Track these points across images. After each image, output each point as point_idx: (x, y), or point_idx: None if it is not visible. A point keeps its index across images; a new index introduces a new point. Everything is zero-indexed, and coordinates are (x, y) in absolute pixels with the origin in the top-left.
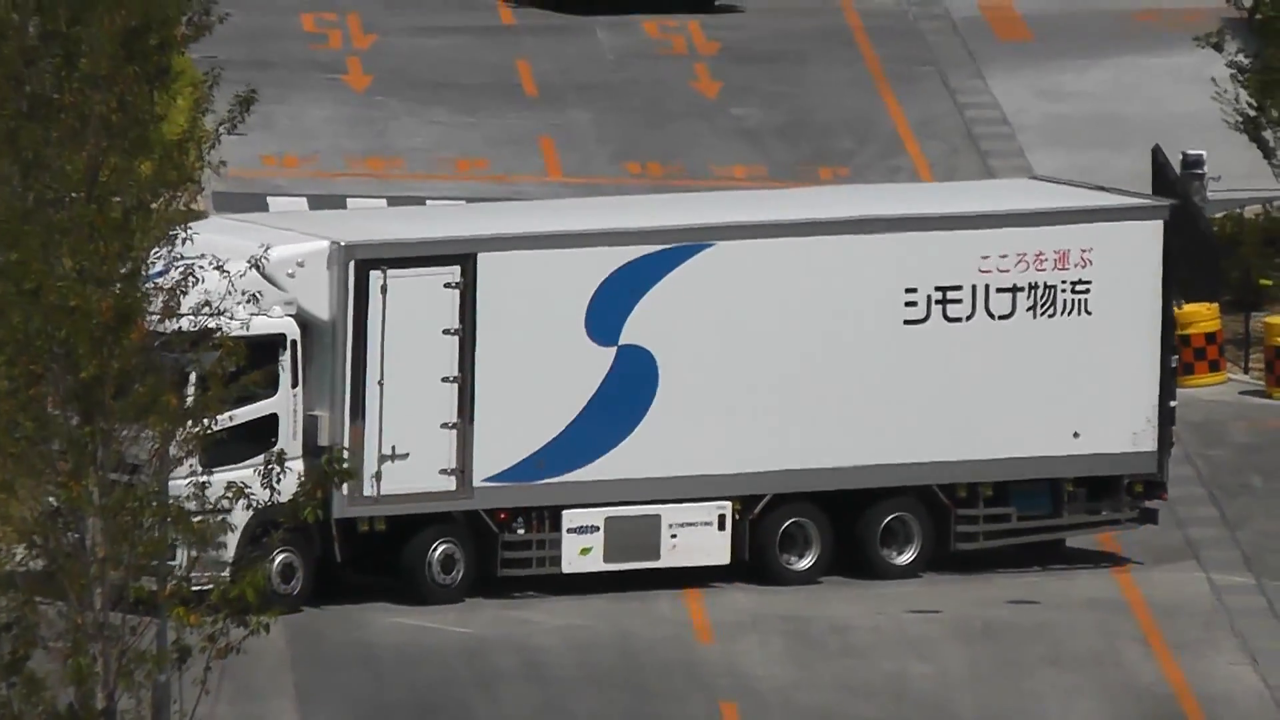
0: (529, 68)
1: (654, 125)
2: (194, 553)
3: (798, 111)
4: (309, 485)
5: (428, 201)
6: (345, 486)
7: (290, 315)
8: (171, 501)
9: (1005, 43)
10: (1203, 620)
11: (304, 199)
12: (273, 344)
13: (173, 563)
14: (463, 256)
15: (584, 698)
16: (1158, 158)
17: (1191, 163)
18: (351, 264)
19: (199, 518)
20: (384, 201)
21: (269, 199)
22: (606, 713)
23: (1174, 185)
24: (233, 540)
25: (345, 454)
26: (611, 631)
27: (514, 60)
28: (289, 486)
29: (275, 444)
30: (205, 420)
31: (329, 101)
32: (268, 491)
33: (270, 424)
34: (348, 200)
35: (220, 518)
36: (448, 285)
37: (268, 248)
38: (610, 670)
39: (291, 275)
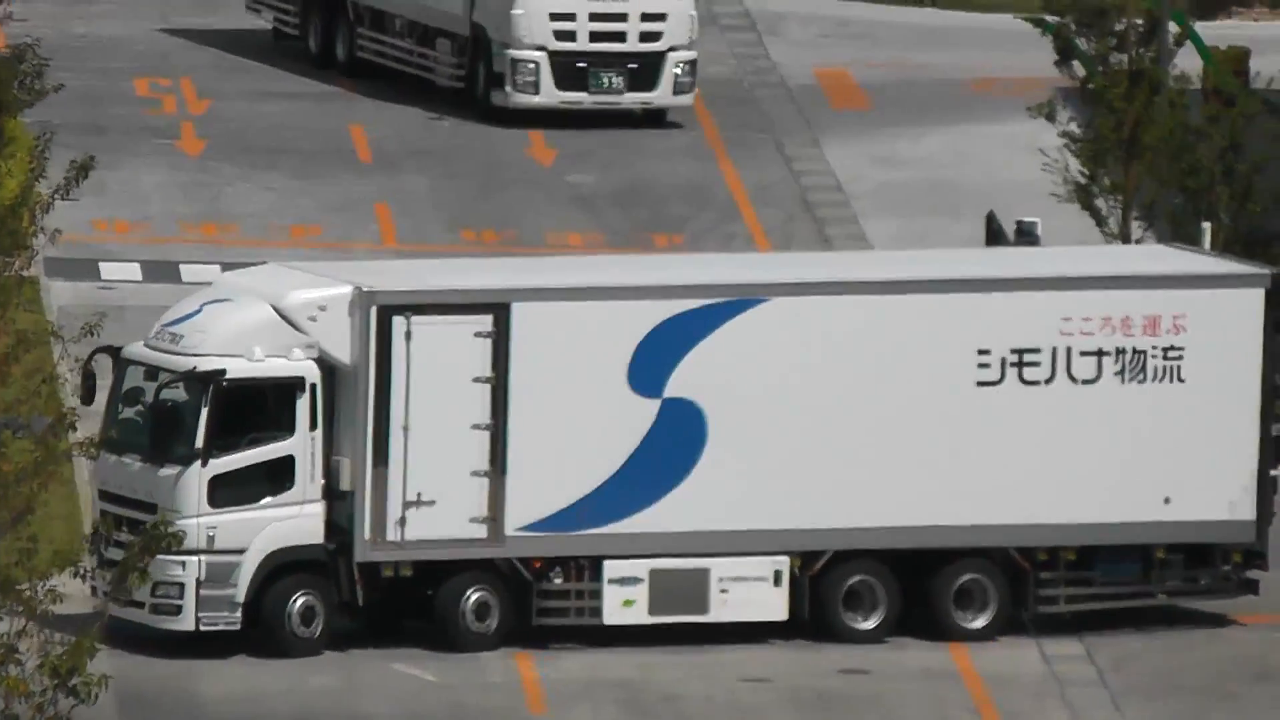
0: (364, 134)
1: (489, 192)
2: (21, 624)
3: (633, 178)
4: (135, 551)
5: None
6: (367, 531)
7: (311, 359)
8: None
9: (841, 111)
10: (1034, 690)
11: (137, 264)
12: (291, 386)
13: (178, 600)
14: (495, 306)
15: None
16: (992, 225)
17: (1025, 230)
18: (373, 309)
19: (25, 587)
20: (218, 268)
21: (100, 264)
22: None
23: None
24: (244, 581)
25: (172, 518)
26: (443, 697)
27: (348, 126)
28: (312, 528)
29: (291, 486)
30: (32, 483)
31: (162, 167)
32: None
33: (287, 466)
34: (180, 266)
35: (49, 587)
36: (478, 334)
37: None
38: None
39: (313, 319)
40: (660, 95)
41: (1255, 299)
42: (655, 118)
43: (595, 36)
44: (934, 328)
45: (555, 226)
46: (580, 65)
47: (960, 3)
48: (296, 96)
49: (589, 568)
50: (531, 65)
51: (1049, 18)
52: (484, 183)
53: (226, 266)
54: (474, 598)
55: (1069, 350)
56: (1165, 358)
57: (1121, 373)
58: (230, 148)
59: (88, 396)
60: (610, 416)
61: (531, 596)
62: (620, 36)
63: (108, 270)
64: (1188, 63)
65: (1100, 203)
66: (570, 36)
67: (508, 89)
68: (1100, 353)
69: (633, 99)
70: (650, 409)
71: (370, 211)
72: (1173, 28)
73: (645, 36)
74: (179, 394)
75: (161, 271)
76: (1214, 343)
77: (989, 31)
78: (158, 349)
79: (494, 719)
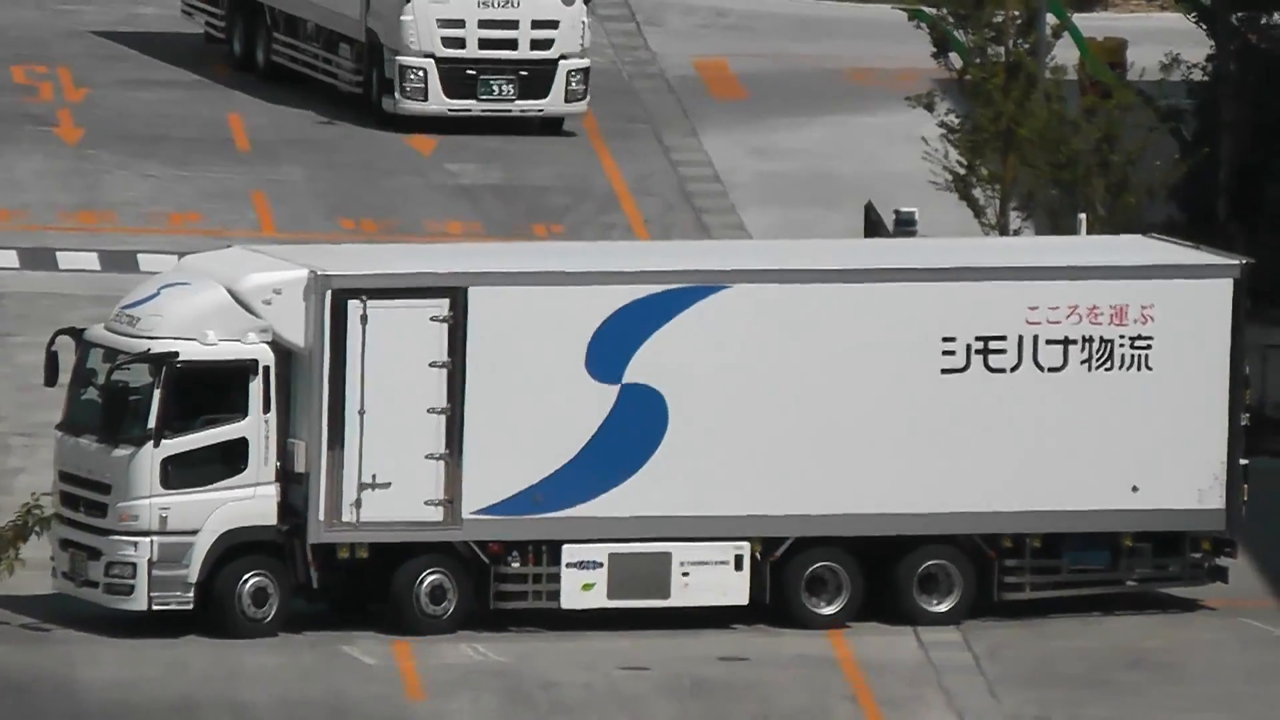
0: (241, 122)
1: (368, 181)
2: None
3: (513, 168)
4: (9, 535)
5: (139, 256)
6: (322, 512)
7: (265, 342)
8: None
9: (719, 101)
10: (910, 677)
11: (14, 252)
12: (244, 369)
13: (131, 580)
14: (452, 290)
15: None
16: (870, 215)
17: (904, 220)
18: (328, 293)
19: None
20: (95, 256)
21: None
22: None
23: None
24: (197, 562)
25: (44, 501)
26: (323, 688)
27: (226, 115)
28: (266, 510)
29: (245, 468)
30: None
31: (40, 154)
32: None
33: (240, 448)
34: (58, 254)
35: None
36: (434, 318)
37: None
38: None
39: (268, 303)
40: (552, 103)
41: (1224, 289)
42: (552, 125)
43: (485, 44)
44: (898, 315)
45: (435, 216)
46: (470, 73)
47: None
48: (173, 85)
49: (547, 551)
50: (419, 72)
51: (926, 9)
52: (363, 172)
53: (104, 254)
54: (429, 580)
55: (1035, 338)
56: (1133, 346)
57: (1088, 361)
58: (108, 135)
59: (50, 378)
60: (568, 401)
61: (489, 580)
62: (511, 44)
63: None
64: (1065, 54)
65: (978, 193)
66: (459, 43)
67: (396, 96)
68: (1067, 341)
69: (524, 106)
70: (609, 394)
71: (248, 199)
72: (1051, 19)
73: (536, 44)
74: (133, 376)
75: (39, 259)
76: (1183, 332)
77: (867, 23)
78: (116, 331)
79: (372, 707)
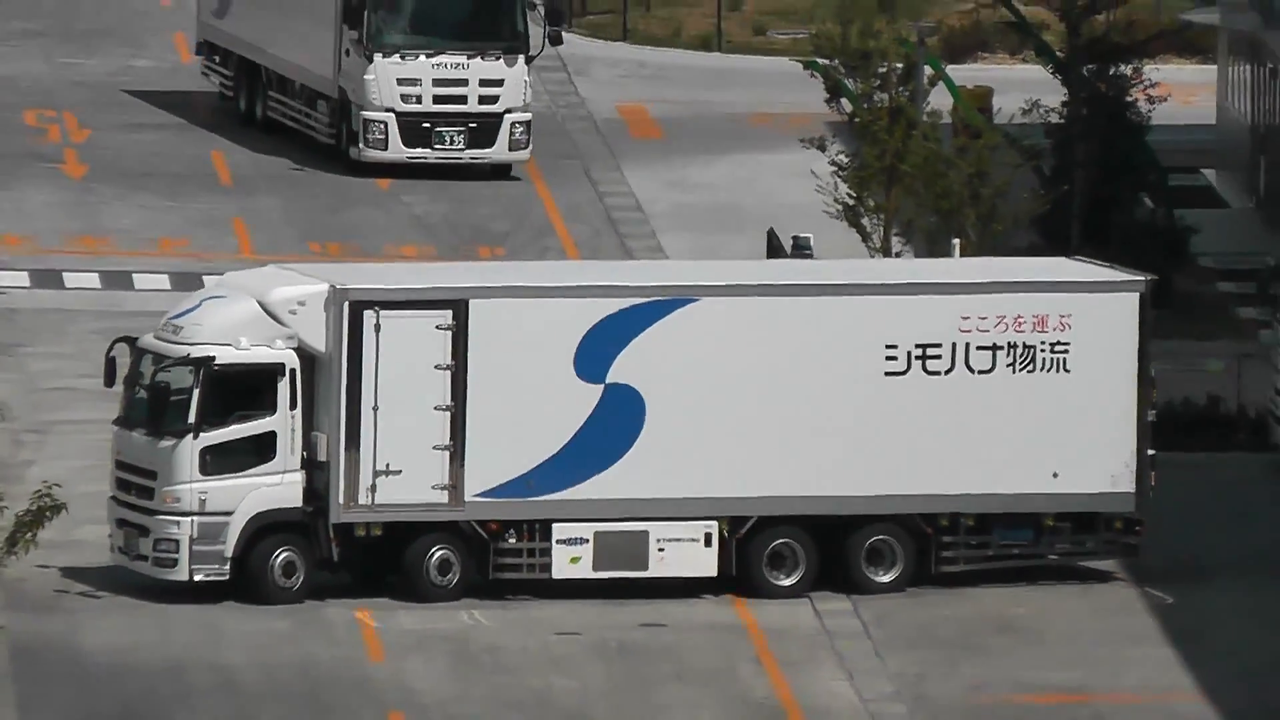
0: (224, 159)
1: (334, 210)
2: None
3: (460, 199)
4: (27, 520)
5: (134, 276)
6: (341, 496)
7: (291, 348)
8: None
9: (640, 141)
10: (807, 642)
11: (26, 273)
12: (273, 371)
13: (174, 554)
14: (455, 302)
15: (270, 710)
16: (772, 240)
17: (800, 245)
18: (346, 304)
19: None
20: (96, 276)
21: None
22: None
23: None
24: (232, 538)
25: (53, 490)
26: (295, 650)
27: (210, 153)
28: (292, 494)
29: (274, 457)
30: None
31: (49, 188)
32: None
33: (270, 440)
34: (64, 275)
35: None
36: (439, 327)
37: None
38: (293, 685)
39: (293, 313)
40: (497, 152)
41: (1132, 301)
42: (501, 171)
43: (438, 100)
44: (847, 325)
45: (393, 241)
46: (425, 125)
47: (743, 48)
48: (164, 127)
49: (540, 529)
50: (381, 125)
51: (820, 60)
52: (329, 202)
53: (104, 274)
54: (437, 555)
55: (967, 345)
56: (1053, 351)
57: (1013, 364)
58: (107, 171)
59: (109, 380)
60: (558, 399)
61: (489, 554)
62: (461, 100)
63: (0, 278)
64: (940, 100)
65: (865, 221)
66: (416, 99)
67: (361, 145)
68: (995, 347)
69: (473, 155)
70: (594, 393)
71: (229, 226)
72: (928, 70)
73: (484, 100)
74: (176, 377)
75: (47, 279)
76: (1096, 339)
77: (768, 73)
78: (162, 339)
79: (339, 668)
